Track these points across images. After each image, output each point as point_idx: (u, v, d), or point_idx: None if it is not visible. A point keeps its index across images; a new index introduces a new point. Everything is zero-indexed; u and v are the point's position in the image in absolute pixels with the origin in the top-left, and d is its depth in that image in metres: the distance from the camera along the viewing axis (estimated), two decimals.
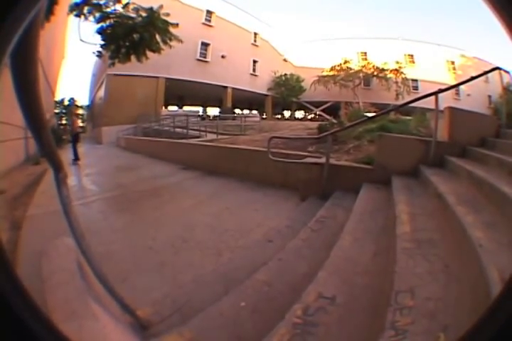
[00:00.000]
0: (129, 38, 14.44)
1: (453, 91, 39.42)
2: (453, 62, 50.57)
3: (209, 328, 2.57)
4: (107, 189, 10.43)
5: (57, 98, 53.84)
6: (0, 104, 14.42)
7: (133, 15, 15.00)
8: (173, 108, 47.04)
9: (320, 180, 6.76)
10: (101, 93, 40.12)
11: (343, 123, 12.83)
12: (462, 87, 40.08)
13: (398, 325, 1.80)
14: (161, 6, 14.94)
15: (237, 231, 5.58)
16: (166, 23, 14.68)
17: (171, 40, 14.65)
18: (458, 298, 1.99)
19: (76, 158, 18.10)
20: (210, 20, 44.92)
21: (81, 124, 71.28)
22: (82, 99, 74.75)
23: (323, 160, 7.03)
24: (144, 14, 14.83)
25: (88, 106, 62.33)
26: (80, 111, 71.73)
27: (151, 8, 14.81)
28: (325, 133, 7.24)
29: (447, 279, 2.22)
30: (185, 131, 20.34)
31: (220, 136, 19.17)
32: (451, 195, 3.65)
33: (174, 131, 20.79)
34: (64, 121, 66.73)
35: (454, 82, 40.22)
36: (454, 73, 49.12)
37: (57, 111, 59.74)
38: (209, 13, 44.81)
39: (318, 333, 2.05)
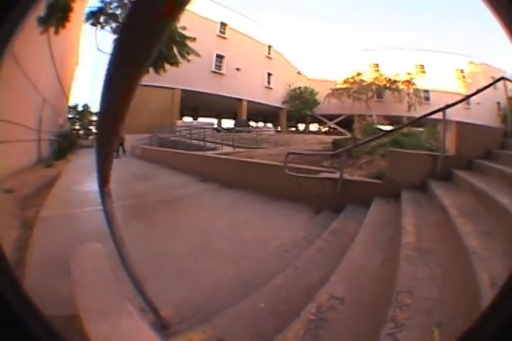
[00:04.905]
0: None
1: (464, 101, 39.46)
2: (462, 71, 50.51)
3: (230, 326, 2.76)
4: (123, 197, 9.78)
5: (71, 103, 54.62)
6: (4, 105, 14.64)
7: None
8: (187, 119, 46.93)
9: (334, 194, 6.90)
10: None
11: (357, 138, 12.97)
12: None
13: (397, 319, 2.05)
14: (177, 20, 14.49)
15: (254, 242, 5.68)
16: (184, 37, 14.62)
17: (188, 53, 14.42)
18: (452, 298, 2.24)
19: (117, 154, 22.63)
20: (224, 33, 45.17)
21: (94, 130, 71.97)
22: (96, 106, 75.11)
23: (337, 175, 7.20)
24: None
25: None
26: (94, 118, 72.37)
27: None
28: (340, 150, 7.37)
29: (444, 283, 2.47)
30: (201, 142, 20.31)
31: (236, 149, 19.21)
32: (454, 207, 3.90)
33: (191, 143, 20.81)
34: (77, 126, 67.39)
35: (463, 91, 40.13)
36: (464, 81, 48.89)
37: (70, 116, 60.49)
38: (223, 25, 45.12)
39: (329, 327, 2.30)
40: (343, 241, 4.40)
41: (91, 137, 68.02)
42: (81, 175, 16.87)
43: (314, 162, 10.14)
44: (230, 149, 19.87)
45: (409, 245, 3.26)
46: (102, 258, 2.91)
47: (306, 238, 5.36)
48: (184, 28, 14.75)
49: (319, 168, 8.80)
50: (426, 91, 48.89)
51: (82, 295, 2.31)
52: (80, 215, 8.22)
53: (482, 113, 38.26)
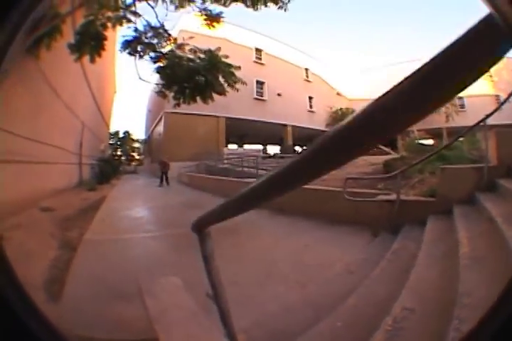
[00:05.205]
0: (193, 80, 14.19)
1: (496, 101, 39.04)
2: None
3: None
4: (178, 224, 9.09)
5: (112, 130, 57.42)
6: (51, 130, 15.31)
7: (191, 56, 14.73)
8: (232, 146, 47.24)
9: (390, 216, 7.06)
10: (159, 129, 41.09)
11: (405, 158, 13.07)
12: (502, 95, 40.16)
13: (461, 316, 2.43)
14: (219, 48, 14.44)
15: (317, 266, 5.74)
16: (229, 65, 14.29)
17: (235, 82, 14.33)
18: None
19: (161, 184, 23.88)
20: (260, 58, 45.40)
21: (137, 157, 73.07)
22: (137, 133, 76.37)
23: (393, 196, 7.42)
24: (201, 56, 14.51)
25: (145, 141, 63.58)
26: (136, 145, 73.51)
27: (210, 51, 14.40)
28: (395, 172, 7.48)
29: (493, 283, 2.85)
30: (251, 170, 20.64)
31: None
32: (499, 216, 4.22)
33: (242, 170, 20.98)
34: (119, 152, 69.22)
35: (492, 91, 39.53)
36: (492, 81, 47.22)
37: (112, 142, 63.26)
38: (258, 51, 45.36)
39: (405, 334, 2.65)
40: (406, 261, 4.65)
41: (133, 163, 69.47)
42: (130, 200, 17.90)
43: (369, 185, 10.24)
44: None
45: (465, 255, 3.65)
46: (183, 292, 3.09)
47: (368, 260, 5.55)
48: (227, 57, 14.42)
49: (376, 191, 8.96)
50: (460, 98, 47.94)
51: (168, 334, 2.34)
52: (130, 241, 8.39)
53: None
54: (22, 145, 11.09)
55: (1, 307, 0.96)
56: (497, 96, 41.97)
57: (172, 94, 15.10)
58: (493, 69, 47.88)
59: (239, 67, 14.20)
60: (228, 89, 14.18)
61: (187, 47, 14.81)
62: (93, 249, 7.25)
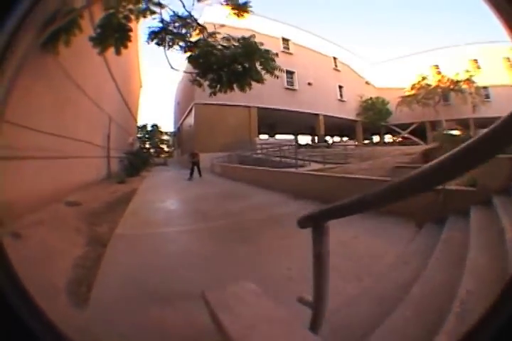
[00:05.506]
0: (230, 68, 13.73)
1: None
2: (509, 59, 47.67)
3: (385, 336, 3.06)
4: (215, 216, 9.94)
5: (140, 123, 59.06)
6: (77, 124, 15.68)
7: (225, 44, 14.21)
8: (263, 136, 47.35)
9: (435, 206, 7.08)
10: (189, 121, 41.51)
11: (443, 148, 13.17)
12: None
13: None
14: (253, 36, 13.89)
15: (369, 257, 5.73)
16: (268, 52, 13.71)
17: (274, 69, 13.64)
18: None
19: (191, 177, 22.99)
20: (288, 48, 45.57)
21: (167, 149, 73.86)
22: (166, 126, 77.28)
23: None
24: (235, 44, 13.93)
25: (174, 133, 64.24)
26: (165, 137, 74.25)
27: (244, 38, 13.82)
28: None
29: None
30: (287, 159, 20.63)
31: (326, 165, 19.28)
32: None
33: (279, 161, 20.92)
34: (148, 145, 70.49)
35: None
36: None
37: (140, 135, 64.55)
38: (285, 40, 45.59)
39: (467, 314, 2.87)
40: (457, 250, 4.82)
41: (163, 155, 70.24)
42: (162, 192, 17.72)
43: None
44: (318, 166, 19.78)
45: (511, 239, 4.07)
46: (268, 301, 2.58)
47: (418, 250, 5.59)
48: (262, 44, 13.78)
49: None
50: (485, 87, 47.19)
51: None
52: (166, 235, 8.01)
53: None
54: (46, 141, 11.21)
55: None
56: None
57: (207, 82, 15.02)
58: None
59: (277, 54, 13.85)
60: (270, 77, 13.89)
61: (218, 36, 14.72)
62: (125, 245, 7.07)
